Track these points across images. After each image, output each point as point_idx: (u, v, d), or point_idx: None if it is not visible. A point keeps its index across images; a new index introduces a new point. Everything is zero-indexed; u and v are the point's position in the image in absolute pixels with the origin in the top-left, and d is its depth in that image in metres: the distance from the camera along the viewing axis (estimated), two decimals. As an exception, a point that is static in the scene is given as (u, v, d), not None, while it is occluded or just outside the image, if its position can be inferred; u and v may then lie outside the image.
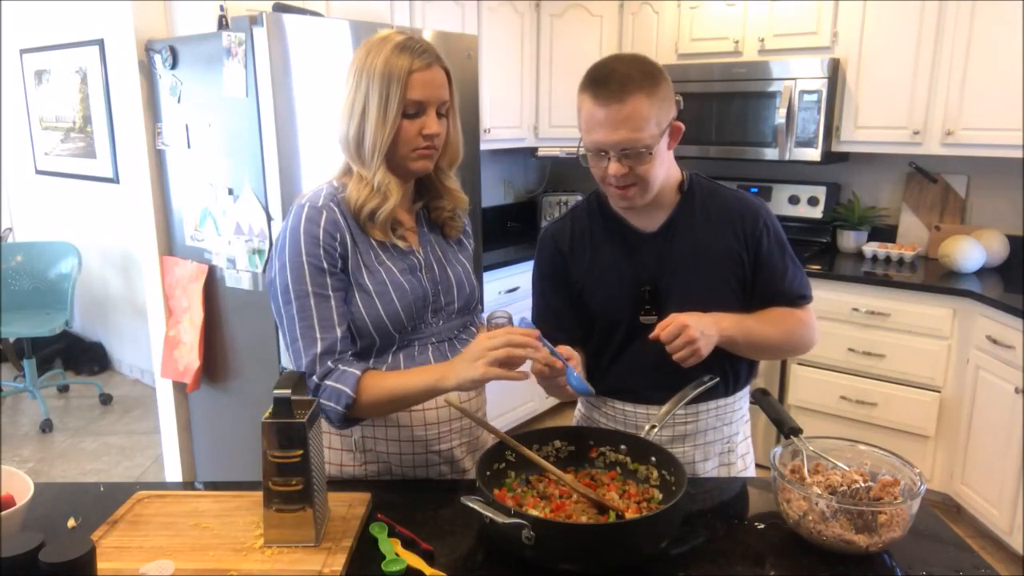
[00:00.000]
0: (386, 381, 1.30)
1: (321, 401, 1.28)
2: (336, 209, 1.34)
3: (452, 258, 1.49)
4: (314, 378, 1.29)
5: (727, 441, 1.54)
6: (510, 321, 1.31)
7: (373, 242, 1.37)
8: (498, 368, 1.18)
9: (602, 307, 1.49)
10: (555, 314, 1.53)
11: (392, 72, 1.30)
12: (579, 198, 5.14)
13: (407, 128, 1.32)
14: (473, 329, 1.53)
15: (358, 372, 1.29)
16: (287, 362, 2.59)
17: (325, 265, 1.31)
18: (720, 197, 1.48)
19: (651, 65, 1.34)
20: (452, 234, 1.50)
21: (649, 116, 1.31)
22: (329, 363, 1.30)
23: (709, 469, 1.53)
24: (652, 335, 1.30)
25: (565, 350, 1.31)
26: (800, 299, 1.50)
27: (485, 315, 1.42)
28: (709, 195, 1.48)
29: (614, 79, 1.30)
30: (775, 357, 1.49)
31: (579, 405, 1.66)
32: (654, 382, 1.44)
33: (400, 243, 1.38)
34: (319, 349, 1.30)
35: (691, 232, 1.45)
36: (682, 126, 1.40)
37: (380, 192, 1.34)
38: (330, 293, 1.32)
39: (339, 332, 1.31)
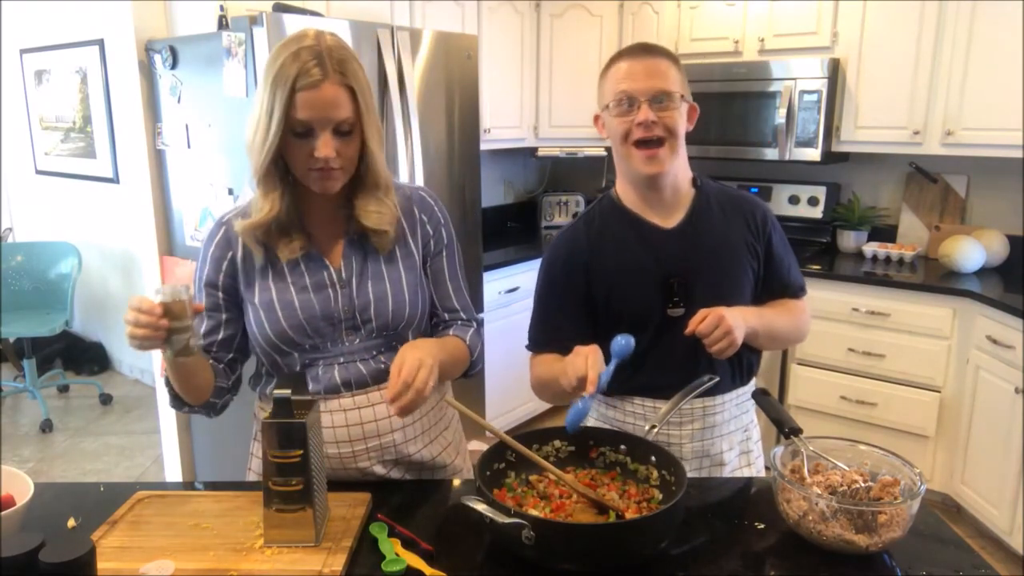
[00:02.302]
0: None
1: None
2: (234, 225, 1.35)
3: (381, 274, 1.38)
4: None
5: (745, 430, 1.58)
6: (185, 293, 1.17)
7: (270, 258, 1.34)
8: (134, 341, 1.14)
9: (632, 303, 1.48)
10: (554, 328, 1.53)
11: (277, 85, 1.20)
12: (579, 198, 5.12)
13: (296, 148, 1.24)
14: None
15: None
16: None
17: (204, 284, 1.38)
18: (728, 194, 1.55)
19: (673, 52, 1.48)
20: (381, 249, 1.38)
21: (675, 78, 1.41)
22: None
23: (732, 459, 1.55)
24: (688, 330, 1.34)
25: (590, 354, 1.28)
26: (801, 290, 1.59)
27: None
28: (719, 192, 1.54)
29: (642, 45, 1.44)
30: (782, 347, 1.59)
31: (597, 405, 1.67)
32: (682, 379, 1.43)
33: (298, 255, 1.34)
34: None
35: (712, 226, 1.49)
36: (697, 108, 1.47)
37: (259, 207, 1.30)
38: (202, 310, 1.36)
39: (201, 342, 1.33)
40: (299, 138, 1.24)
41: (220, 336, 1.39)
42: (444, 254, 1.48)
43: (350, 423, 1.37)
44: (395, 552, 1.13)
